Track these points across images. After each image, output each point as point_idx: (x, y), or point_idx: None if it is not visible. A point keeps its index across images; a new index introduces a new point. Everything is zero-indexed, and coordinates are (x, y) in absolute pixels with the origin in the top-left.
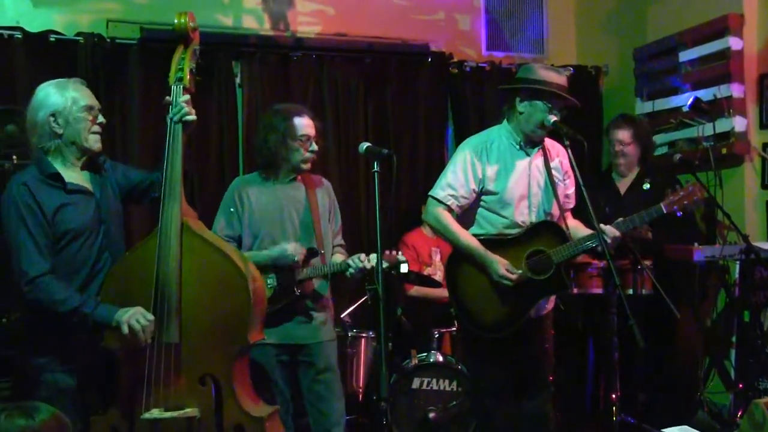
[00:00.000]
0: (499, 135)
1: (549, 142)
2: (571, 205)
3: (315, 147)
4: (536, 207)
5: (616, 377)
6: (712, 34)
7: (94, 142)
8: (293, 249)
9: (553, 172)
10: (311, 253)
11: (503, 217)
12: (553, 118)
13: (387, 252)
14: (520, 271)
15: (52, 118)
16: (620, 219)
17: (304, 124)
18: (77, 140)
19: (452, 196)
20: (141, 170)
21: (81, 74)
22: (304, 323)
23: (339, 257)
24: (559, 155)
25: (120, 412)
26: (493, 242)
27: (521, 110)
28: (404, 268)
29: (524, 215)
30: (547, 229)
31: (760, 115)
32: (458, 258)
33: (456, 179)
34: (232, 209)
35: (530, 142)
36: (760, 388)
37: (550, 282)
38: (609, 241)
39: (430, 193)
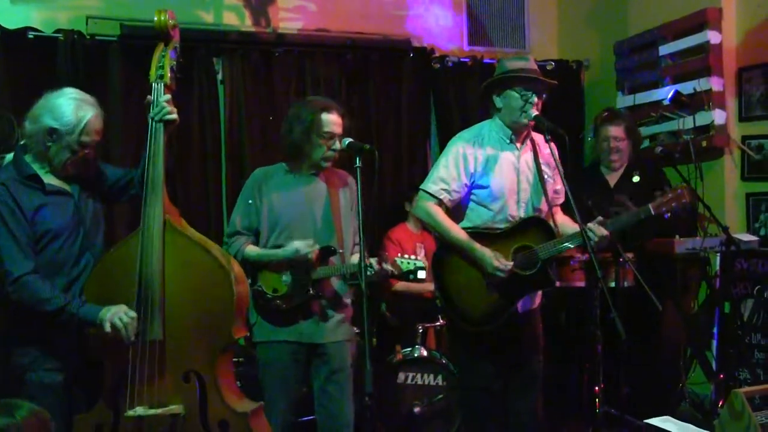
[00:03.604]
0: (490, 129)
1: (539, 138)
2: (561, 201)
3: (338, 146)
4: (525, 202)
5: (600, 369)
6: (691, 28)
7: (66, 168)
8: (303, 246)
9: (543, 167)
10: (329, 251)
11: (492, 210)
12: (534, 112)
13: (392, 260)
14: (511, 262)
15: (48, 134)
16: (609, 219)
17: (331, 120)
18: (54, 162)
19: (445, 190)
20: (116, 168)
21: (60, 72)
22: (320, 322)
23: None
24: (548, 149)
25: (104, 410)
26: (482, 236)
27: (499, 105)
28: (422, 274)
29: (513, 209)
30: (534, 225)
31: (739, 107)
32: (446, 251)
33: (448, 173)
34: (250, 201)
35: (519, 135)
36: (740, 378)
37: (536, 278)
38: (596, 239)
39: (421, 186)
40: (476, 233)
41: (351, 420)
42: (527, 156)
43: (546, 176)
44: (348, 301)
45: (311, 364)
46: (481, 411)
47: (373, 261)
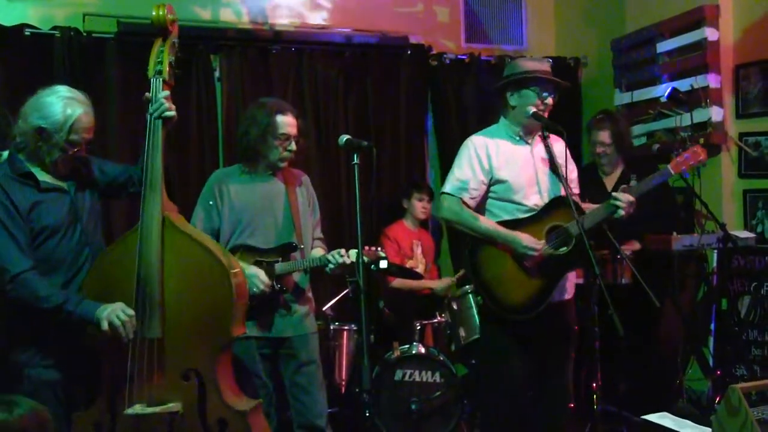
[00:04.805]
0: (499, 130)
1: (552, 136)
2: (577, 191)
3: (293, 147)
4: (546, 192)
5: (597, 366)
6: (688, 24)
7: (57, 166)
8: (260, 280)
9: (557, 159)
10: (290, 247)
11: (516, 203)
12: (532, 109)
13: (367, 248)
14: (543, 241)
15: (38, 133)
16: (632, 184)
17: (286, 122)
18: (46, 160)
19: (463, 189)
20: (117, 164)
21: (57, 69)
22: (285, 316)
23: (319, 251)
24: (558, 142)
25: (103, 407)
26: (511, 224)
27: (513, 104)
28: (383, 264)
29: (536, 200)
30: (561, 204)
31: (736, 105)
32: (478, 244)
33: (464, 174)
34: (211, 202)
35: (529, 133)
36: (737, 374)
37: (572, 255)
38: (624, 206)
39: (441, 190)
40: (505, 222)
41: (325, 409)
42: (539, 148)
43: (560, 166)
44: (310, 294)
45: (279, 358)
46: (502, 410)
47: (335, 253)
